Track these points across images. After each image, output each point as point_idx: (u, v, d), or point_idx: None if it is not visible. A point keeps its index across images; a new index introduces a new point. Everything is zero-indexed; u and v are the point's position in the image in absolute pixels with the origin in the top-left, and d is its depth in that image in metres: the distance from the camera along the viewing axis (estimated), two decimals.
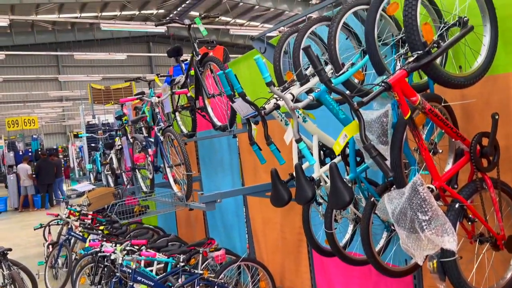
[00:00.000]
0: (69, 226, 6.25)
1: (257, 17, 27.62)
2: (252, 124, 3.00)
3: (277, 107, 2.58)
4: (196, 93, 4.34)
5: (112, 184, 6.44)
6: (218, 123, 4.03)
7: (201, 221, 5.98)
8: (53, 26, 27.20)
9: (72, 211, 6.82)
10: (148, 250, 4.40)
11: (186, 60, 5.76)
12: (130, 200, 5.33)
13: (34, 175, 15.70)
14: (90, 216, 6.51)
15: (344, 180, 2.33)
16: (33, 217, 14.22)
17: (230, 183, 5.06)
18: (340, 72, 2.31)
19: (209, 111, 4.16)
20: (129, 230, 6.20)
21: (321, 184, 2.84)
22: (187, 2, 25.75)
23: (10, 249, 5.20)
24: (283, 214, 4.15)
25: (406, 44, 2.22)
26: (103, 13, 25.37)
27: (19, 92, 29.61)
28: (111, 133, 7.21)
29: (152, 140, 4.58)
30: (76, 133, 16.04)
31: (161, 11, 27.13)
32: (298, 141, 2.40)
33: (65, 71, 30.74)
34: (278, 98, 2.74)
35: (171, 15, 27.48)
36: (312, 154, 2.67)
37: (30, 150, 16.76)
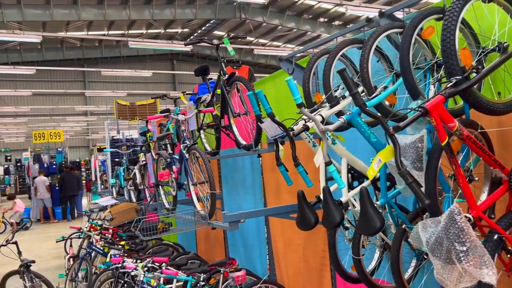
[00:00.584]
0: (91, 240, 6.29)
1: (280, 37, 27.87)
2: (280, 144, 2.98)
3: (306, 128, 2.55)
4: (221, 112, 4.36)
5: (134, 200, 6.47)
6: (243, 142, 4.03)
7: (221, 239, 5.94)
8: (81, 43, 28.04)
9: (93, 225, 6.88)
10: (168, 267, 4.37)
11: (211, 79, 5.84)
12: (152, 216, 5.34)
13: (56, 187, 15.98)
14: (110, 231, 6.55)
15: (375, 205, 2.28)
16: (54, 229, 14.41)
17: (252, 202, 5.03)
18: (373, 95, 2.29)
19: (234, 130, 4.16)
20: (149, 246, 6.20)
21: (348, 208, 2.78)
22: (211, 22, 26.23)
23: (33, 261, 5.25)
24: (306, 237, 4.08)
25: (442, 69, 2.19)
26: (130, 31, 26.05)
27: (46, 106, 30.45)
28: (135, 148, 7.29)
29: (177, 157, 4.60)
30: (99, 147, 16.29)
31: (186, 30, 27.69)
32: (328, 163, 2.36)
33: (90, 87, 31.55)
34: (307, 120, 2.72)
35: (195, 34, 28.02)
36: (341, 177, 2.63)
37: (54, 162, 17.11)
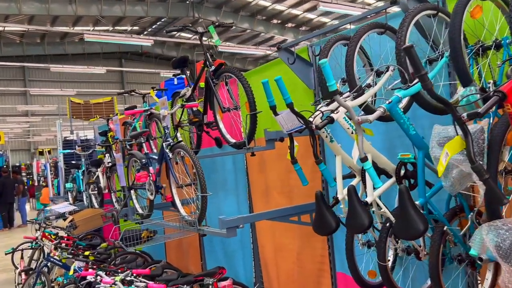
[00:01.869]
0: (48, 251, 5.64)
1: (233, 37, 27.59)
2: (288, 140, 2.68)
3: (330, 121, 2.27)
4: (204, 107, 4.00)
5: (96, 205, 5.89)
6: (232, 140, 3.69)
7: (196, 246, 5.52)
8: (21, 39, 26.14)
9: (46, 234, 6.21)
10: (140, 279, 3.90)
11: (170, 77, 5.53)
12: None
13: None
14: (66, 239, 5.95)
15: (417, 206, 2.04)
16: None
17: (234, 205, 4.67)
18: (414, 82, 2.04)
19: (221, 127, 3.82)
20: (114, 256, 5.64)
21: (372, 208, 2.54)
22: (163, 20, 25.46)
23: None
24: (303, 240, 3.79)
25: (491, 53, 1.99)
26: (75, 28, 24.62)
27: None
28: (95, 149, 6.67)
29: (154, 157, 4.17)
30: (43, 149, 15.11)
31: (136, 28, 26.67)
32: (364, 160, 2.09)
33: (32, 86, 29.45)
34: (323, 111, 2.44)
35: (145, 32, 27.08)
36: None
37: None
